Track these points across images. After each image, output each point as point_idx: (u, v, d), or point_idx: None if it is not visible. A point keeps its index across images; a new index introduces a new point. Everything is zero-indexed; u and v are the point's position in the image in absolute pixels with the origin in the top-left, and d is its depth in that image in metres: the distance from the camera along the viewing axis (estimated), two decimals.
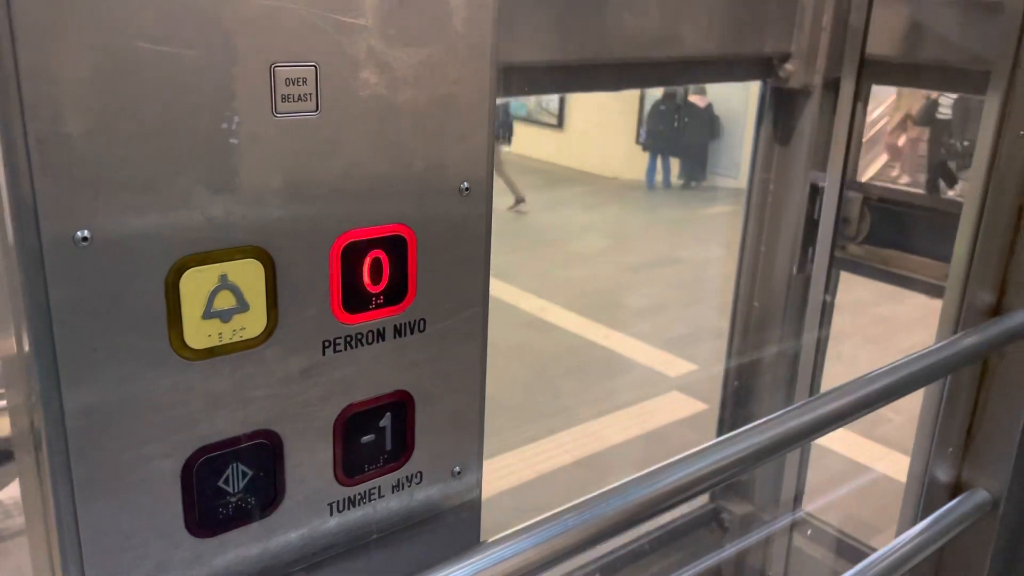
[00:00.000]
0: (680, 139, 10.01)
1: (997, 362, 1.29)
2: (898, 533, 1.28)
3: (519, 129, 11.27)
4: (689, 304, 6.71)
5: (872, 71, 1.77)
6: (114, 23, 0.48)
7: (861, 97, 1.80)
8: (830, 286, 1.95)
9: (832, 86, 1.79)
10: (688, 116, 10.07)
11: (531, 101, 11.35)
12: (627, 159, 10.38)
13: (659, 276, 7.35)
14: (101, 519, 0.54)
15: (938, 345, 1.15)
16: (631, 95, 10.21)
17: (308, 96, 0.56)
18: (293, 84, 0.55)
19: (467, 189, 0.66)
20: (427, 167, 0.63)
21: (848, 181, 1.86)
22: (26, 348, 0.50)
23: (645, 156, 10.40)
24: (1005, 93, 1.19)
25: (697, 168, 10.38)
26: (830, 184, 1.84)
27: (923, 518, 1.29)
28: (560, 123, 11.23)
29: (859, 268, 1.95)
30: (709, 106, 10.01)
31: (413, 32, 0.60)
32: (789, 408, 0.94)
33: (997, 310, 1.27)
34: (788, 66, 1.78)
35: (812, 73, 1.76)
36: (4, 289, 0.51)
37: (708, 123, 9.99)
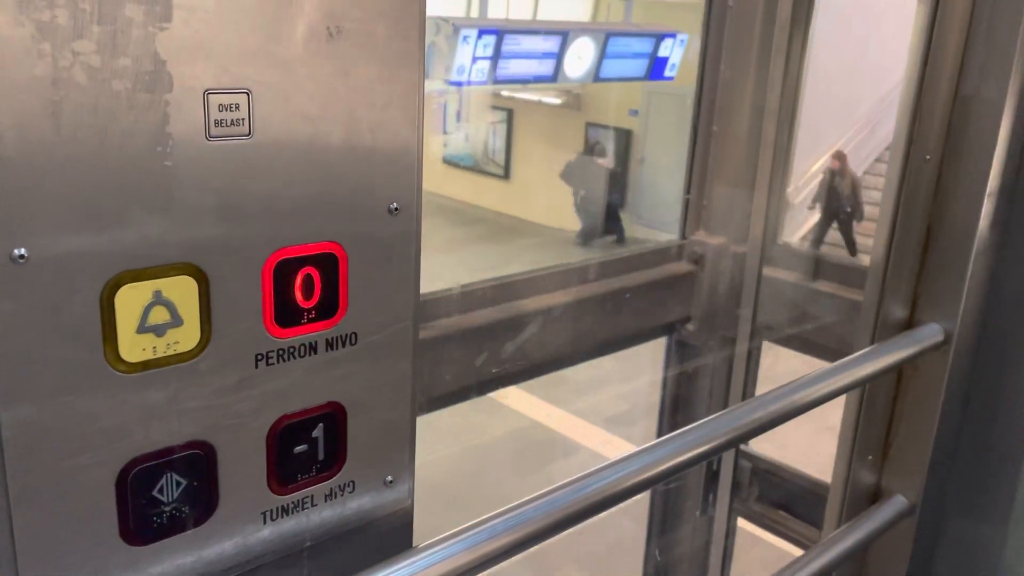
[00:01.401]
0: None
1: (911, 373, 1.36)
2: (823, 536, 1.34)
3: (465, 177, 11.34)
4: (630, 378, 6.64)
5: None
6: (51, 50, 0.50)
7: None
8: None
9: None
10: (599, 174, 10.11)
11: (478, 151, 11.47)
12: (570, 210, 10.39)
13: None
14: (35, 527, 0.56)
15: (854, 356, 1.22)
16: (577, 147, 10.30)
17: (241, 121, 0.59)
18: (226, 110, 0.58)
19: (396, 209, 0.69)
20: (357, 187, 0.66)
21: None
22: None
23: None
24: (911, 119, 1.27)
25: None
26: None
27: (845, 522, 1.35)
28: (506, 173, 11.33)
29: None
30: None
31: (343, 60, 0.63)
32: (712, 416, 0.99)
33: (910, 323, 1.34)
34: None
35: None
36: None
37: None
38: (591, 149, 10.27)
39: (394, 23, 0.65)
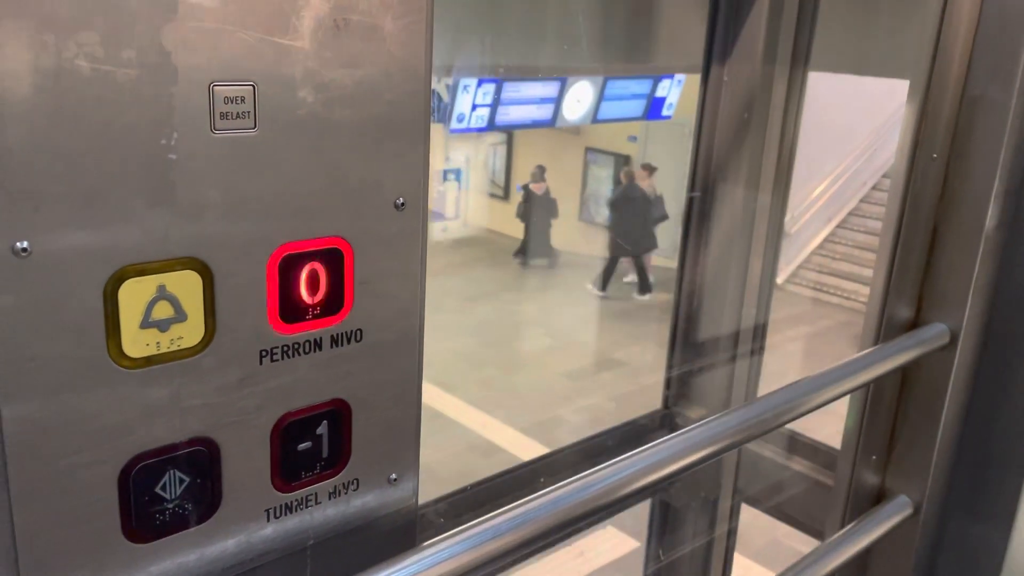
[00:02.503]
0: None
1: (916, 373, 1.35)
2: (826, 537, 1.33)
3: (465, 199, 11.33)
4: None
5: None
6: (56, 41, 0.50)
7: None
8: None
9: None
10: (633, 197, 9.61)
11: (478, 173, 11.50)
12: (569, 232, 10.31)
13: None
14: (37, 525, 0.55)
15: (859, 356, 1.21)
16: (575, 171, 10.21)
17: (246, 114, 0.58)
18: (231, 102, 0.57)
19: (403, 204, 0.68)
20: (363, 182, 0.66)
21: None
22: None
23: (583, 227, 10.34)
24: (918, 119, 1.27)
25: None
26: None
27: (849, 522, 1.34)
28: (506, 195, 11.34)
29: None
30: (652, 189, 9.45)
31: (349, 54, 0.62)
32: (716, 416, 0.98)
33: (915, 323, 1.33)
34: None
35: None
36: None
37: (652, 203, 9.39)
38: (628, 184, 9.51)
39: (401, 16, 0.64)
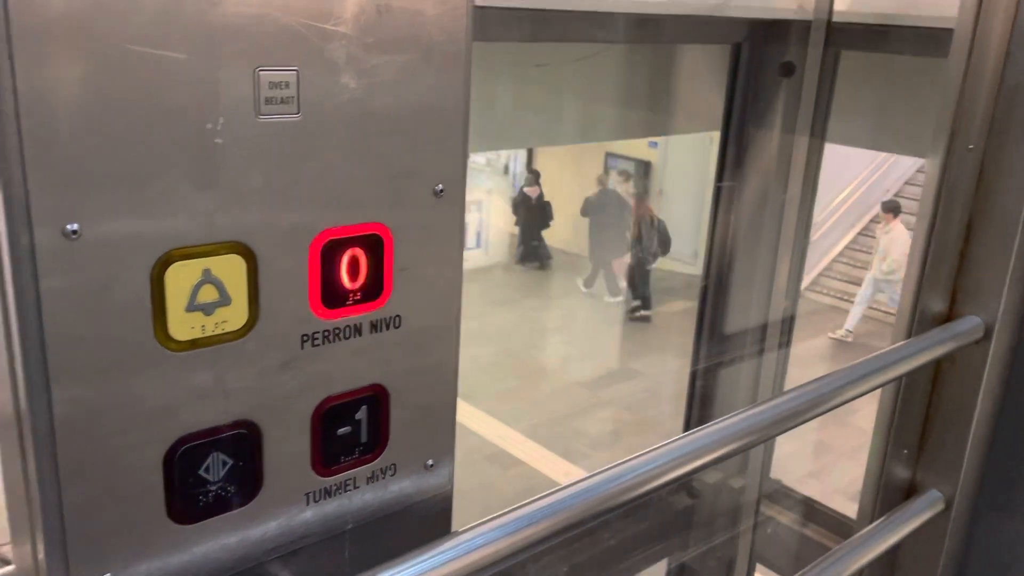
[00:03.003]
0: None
1: (948, 367, 1.34)
2: (856, 531, 1.32)
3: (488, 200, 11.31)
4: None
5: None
6: (107, 27, 0.50)
7: None
8: None
9: None
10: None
11: (499, 175, 11.44)
12: (576, 234, 10.16)
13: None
14: (85, 505, 0.56)
15: (892, 349, 1.20)
16: (593, 176, 10.14)
17: (290, 99, 0.59)
18: (276, 88, 0.58)
19: (442, 191, 0.68)
20: (403, 169, 0.66)
21: None
22: (15, 338, 0.51)
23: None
24: (955, 108, 1.25)
25: None
26: None
27: (879, 517, 1.33)
28: None
29: None
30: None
31: (391, 40, 0.62)
32: (747, 409, 0.97)
33: (949, 317, 1.32)
34: None
35: None
36: None
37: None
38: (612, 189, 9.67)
39: (443, 2, 0.64)
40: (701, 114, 2.25)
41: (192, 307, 0.58)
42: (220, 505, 0.62)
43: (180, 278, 0.57)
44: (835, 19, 1.91)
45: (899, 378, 1.34)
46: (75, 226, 0.51)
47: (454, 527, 0.77)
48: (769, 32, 2.01)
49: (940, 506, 1.37)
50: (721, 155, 2.01)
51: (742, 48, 2.01)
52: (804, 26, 1.93)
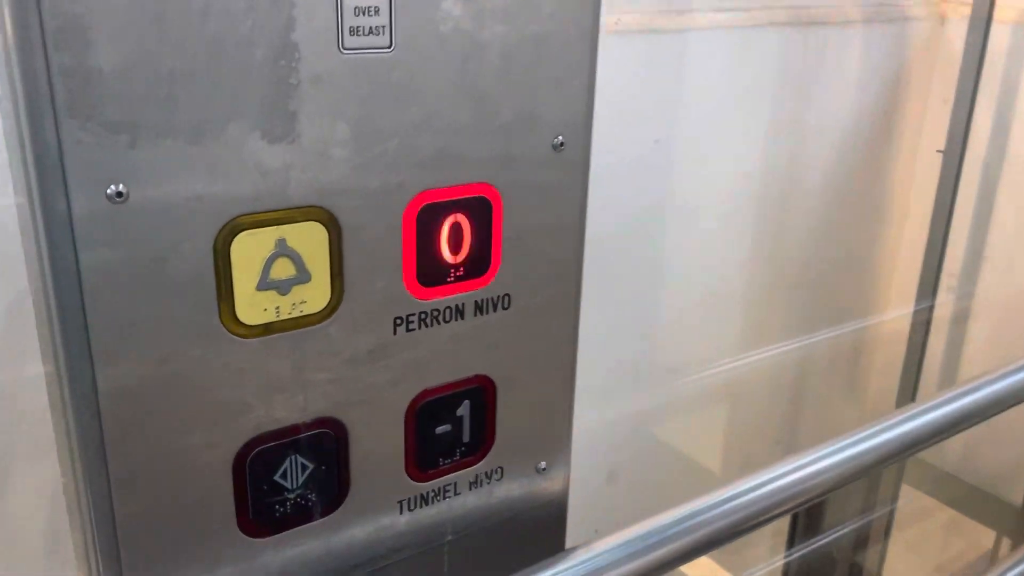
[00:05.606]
0: None
1: None
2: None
3: None
4: None
5: None
6: None
7: None
8: None
9: None
10: None
11: None
12: None
13: None
14: (141, 515, 0.47)
15: None
16: None
17: (381, 29, 0.47)
18: (364, 14, 0.47)
19: (562, 144, 0.56)
20: (516, 117, 0.54)
21: None
22: (54, 321, 0.43)
23: None
24: None
25: None
26: None
27: None
28: None
29: None
30: None
31: None
32: (923, 402, 0.82)
33: None
34: None
35: None
36: (30, 253, 0.44)
37: None
38: None
39: None
40: None
41: (264, 285, 0.48)
42: (300, 516, 0.53)
43: (249, 250, 0.47)
44: None
45: None
46: (120, 187, 0.42)
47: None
48: None
49: None
50: None
51: None
52: None
